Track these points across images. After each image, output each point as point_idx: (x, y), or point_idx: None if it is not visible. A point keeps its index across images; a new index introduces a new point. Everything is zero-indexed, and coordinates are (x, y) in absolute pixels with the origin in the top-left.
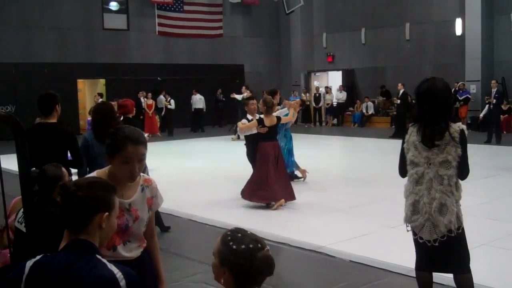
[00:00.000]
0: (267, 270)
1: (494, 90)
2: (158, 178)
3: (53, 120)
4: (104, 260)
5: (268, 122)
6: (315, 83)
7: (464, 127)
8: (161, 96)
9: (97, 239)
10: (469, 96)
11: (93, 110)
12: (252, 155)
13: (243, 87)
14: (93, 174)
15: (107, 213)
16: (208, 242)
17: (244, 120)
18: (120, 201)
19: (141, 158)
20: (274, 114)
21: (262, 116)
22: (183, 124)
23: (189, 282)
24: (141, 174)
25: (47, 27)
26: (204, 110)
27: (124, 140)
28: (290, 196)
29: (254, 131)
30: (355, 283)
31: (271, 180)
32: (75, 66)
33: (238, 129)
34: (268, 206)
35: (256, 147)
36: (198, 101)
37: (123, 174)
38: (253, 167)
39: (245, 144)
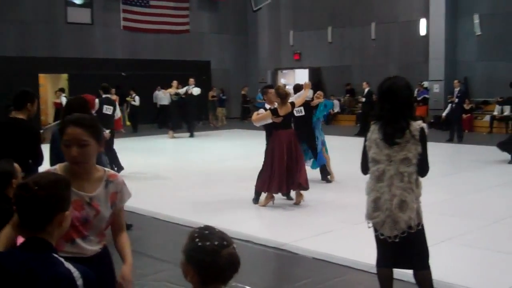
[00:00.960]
0: (231, 267)
1: (456, 90)
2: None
3: (22, 116)
4: (61, 259)
5: (283, 111)
6: (282, 81)
7: (425, 125)
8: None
9: (55, 238)
10: (427, 96)
11: (65, 104)
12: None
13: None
14: (55, 167)
15: (68, 212)
16: (171, 241)
17: (261, 110)
18: (80, 193)
19: (82, 143)
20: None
21: (274, 106)
22: (149, 120)
23: (151, 281)
24: (106, 169)
25: (8, 20)
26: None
27: (66, 122)
28: (305, 183)
29: (269, 120)
30: (318, 280)
31: (281, 170)
32: (36, 61)
33: (252, 120)
34: (288, 198)
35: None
36: (163, 97)
37: (67, 159)
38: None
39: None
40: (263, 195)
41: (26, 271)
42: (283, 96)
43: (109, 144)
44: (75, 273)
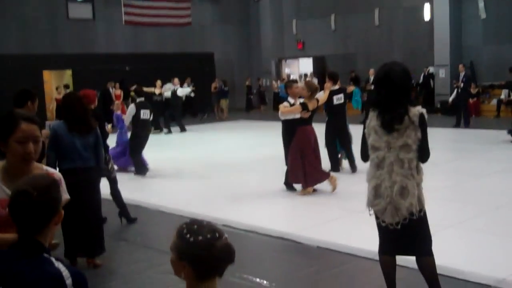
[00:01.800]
0: (227, 258)
1: (461, 74)
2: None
3: None
4: (52, 259)
5: (311, 106)
6: (286, 70)
7: (424, 110)
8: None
9: (48, 238)
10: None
11: (62, 100)
12: (288, 139)
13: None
14: None
15: (62, 211)
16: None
17: (285, 103)
18: None
19: (36, 139)
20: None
21: (297, 100)
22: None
23: (156, 273)
24: (45, 167)
25: (9, 17)
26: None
27: (17, 119)
28: (327, 174)
29: (297, 115)
30: (323, 268)
31: (315, 164)
32: (40, 57)
33: (279, 112)
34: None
35: (293, 130)
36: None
37: (18, 155)
38: (287, 151)
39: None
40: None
41: (15, 269)
42: (314, 89)
43: (138, 149)
44: (65, 272)
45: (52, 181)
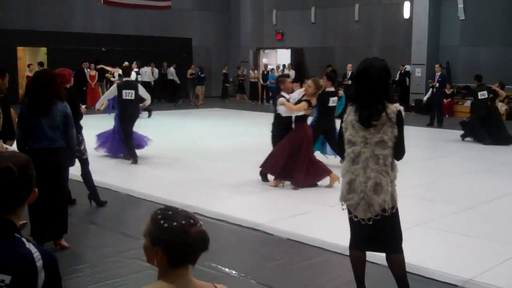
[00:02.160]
0: (202, 245)
1: (437, 74)
2: (99, 151)
3: None
4: (23, 239)
5: (313, 103)
6: (263, 61)
7: (402, 108)
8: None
9: (20, 217)
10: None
11: (32, 77)
12: (280, 136)
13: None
14: None
15: (36, 189)
16: (145, 218)
17: (283, 99)
18: None
19: None
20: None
21: (295, 95)
22: None
23: (123, 258)
24: (6, 146)
25: None
26: (152, 83)
27: None
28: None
29: (302, 112)
30: (292, 261)
31: (306, 163)
32: (14, 33)
33: (284, 108)
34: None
35: (287, 127)
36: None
37: None
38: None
39: (273, 124)
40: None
41: None
42: (319, 87)
43: (128, 130)
44: (36, 253)
45: (28, 158)
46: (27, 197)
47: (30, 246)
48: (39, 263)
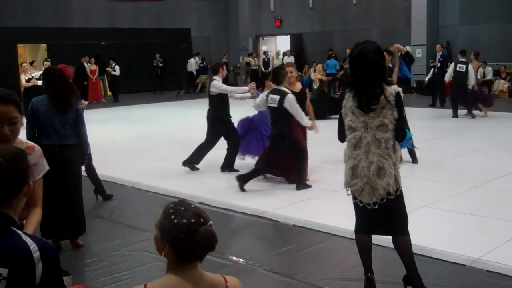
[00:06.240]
0: (208, 245)
1: (438, 54)
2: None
3: None
4: (20, 232)
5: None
6: (263, 48)
7: (400, 89)
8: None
9: (18, 210)
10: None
11: (44, 73)
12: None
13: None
14: None
15: (31, 183)
16: (151, 210)
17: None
18: None
19: (12, 121)
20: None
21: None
22: (129, 89)
23: (130, 250)
24: (24, 141)
25: None
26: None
27: None
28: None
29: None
30: (299, 247)
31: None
32: (14, 31)
33: (295, 108)
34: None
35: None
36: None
37: None
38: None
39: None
40: None
41: None
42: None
43: None
44: (32, 245)
45: (20, 151)
46: (20, 190)
47: (27, 238)
48: (36, 254)
